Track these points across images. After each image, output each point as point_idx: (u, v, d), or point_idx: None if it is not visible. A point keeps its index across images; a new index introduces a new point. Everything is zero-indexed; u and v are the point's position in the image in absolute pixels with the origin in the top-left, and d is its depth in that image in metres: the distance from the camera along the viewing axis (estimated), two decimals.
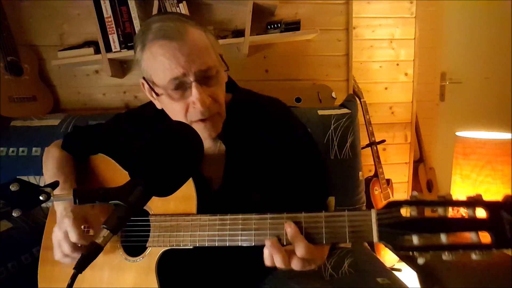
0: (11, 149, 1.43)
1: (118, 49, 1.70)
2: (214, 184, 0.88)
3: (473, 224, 0.55)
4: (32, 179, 1.41)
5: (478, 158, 1.57)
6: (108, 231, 0.54)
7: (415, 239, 0.57)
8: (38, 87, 1.79)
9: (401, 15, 2.16)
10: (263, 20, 1.85)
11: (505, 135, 1.61)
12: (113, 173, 0.94)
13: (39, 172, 1.38)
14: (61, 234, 0.79)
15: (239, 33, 1.77)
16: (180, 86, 0.78)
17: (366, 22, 2.15)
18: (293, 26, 1.80)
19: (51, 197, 0.63)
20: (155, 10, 1.67)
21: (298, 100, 1.93)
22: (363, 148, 1.79)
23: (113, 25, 1.67)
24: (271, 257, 0.66)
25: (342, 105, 1.61)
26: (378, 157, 2.11)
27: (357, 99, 1.74)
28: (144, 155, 0.60)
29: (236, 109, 0.91)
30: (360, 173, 1.54)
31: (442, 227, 0.56)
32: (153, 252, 0.79)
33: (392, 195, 2.17)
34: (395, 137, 2.30)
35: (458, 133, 1.72)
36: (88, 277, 0.83)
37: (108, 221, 0.55)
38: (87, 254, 0.52)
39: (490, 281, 1.08)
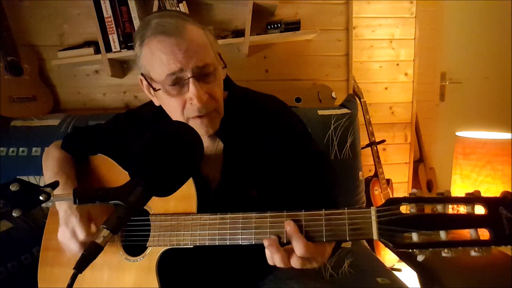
0: (11, 149, 1.43)
1: (118, 49, 1.70)
2: (213, 182, 0.88)
3: (472, 221, 0.56)
4: (32, 179, 1.41)
5: (478, 158, 1.57)
6: (108, 231, 0.54)
7: (414, 236, 0.57)
8: (38, 87, 1.79)
9: (401, 15, 2.16)
10: (263, 20, 1.85)
11: (505, 135, 1.60)
12: (113, 173, 0.94)
13: (39, 172, 1.38)
14: (69, 233, 0.79)
15: (239, 33, 1.77)
16: (177, 82, 0.78)
17: (366, 22, 2.15)
18: (293, 26, 1.80)
19: (51, 197, 0.63)
20: (155, 10, 1.67)
21: (298, 100, 1.93)
22: (363, 148, 1.79)
23: (113, 25, 1.67)
24: (272, 258, 0.66)
25: (342, 105, 1.61)
26: (378, 157, 2.11)
27: (357, 99, 1.74)
28: (144, 155, 0.60)
29: (233, 106, 0.91)
30: (360, 173, 1.55)
31: (441, 224, 0.57)
32: (153, 252, 0.79)
33: (392, 195, 2.17)
34: (395, 137, 2.30)
35: (458, 133, 1.72)
36: (88, 277, 0.83)
37: (108, 221, 0.55)
38: (87, 254, 0.52)
39: (490, 281, 1.08)
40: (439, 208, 0.57)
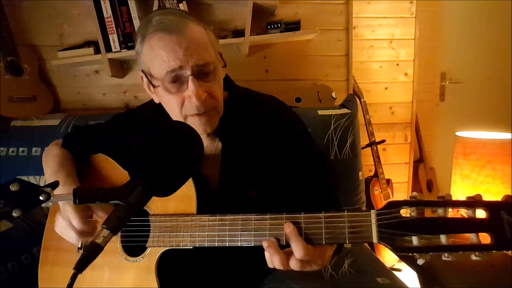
0: (11, 149, 1.43)
1: (118, 49, 1.70)
2: (212, 182, 0.88)
3: (473, 225, 0.55)
4: (32, 179, 1.41)
5: (478, 158, 1.57)
6: (108, 231, 0.54)
7: (415, 240, 0.57)
8: (38, 87, 1.79)
9: (401, 15, 2.16)
10: (263, 20, 1.85)
11: (505, 135, 1.61)
12: (113, 173, 0.94)
13: (39, 172, 1.38)
14: (65, 222, 0.79)
15: (239, 33, 1.77)
16: (177, 79, 0.78)
17: (366, 22, 2.15)
18: (293, 26, 1.80)
19: (51, 197, 0.63)
20: (155, 10, 1.67)
21: (298, 100, 1.93)
22: (363, 148, 1.79)
23: (113, 25, 1.67)
24: (271, 259, 0.66)
25: (342, 105, 1.61)
26: (378, 157, 2.11)
27: (357, 99, 1.74)
28: (144, 155, 0.60)
29: (233, 106, 0.91)
30: (360, 173, 1.55)
31: (442, 228, 0.56)
32: (153, 252, 0.79)
33: (392, 195, 2.17)
34: (395, 137, 2.30)
35: (458, 133, 1.72)
36: (88, 277, 0.83)
37: (108, 221, 0.55)
38: (87, 254, 0.52)
39: (490, 281, 1.08)
40: (440, 211, 0.56)
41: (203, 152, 0.66)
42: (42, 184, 0.65)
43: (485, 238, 0.55)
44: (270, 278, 0.92)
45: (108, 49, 1.70)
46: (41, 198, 0.62)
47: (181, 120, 0.83)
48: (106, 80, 1.89)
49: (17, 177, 1.38)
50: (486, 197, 0.55)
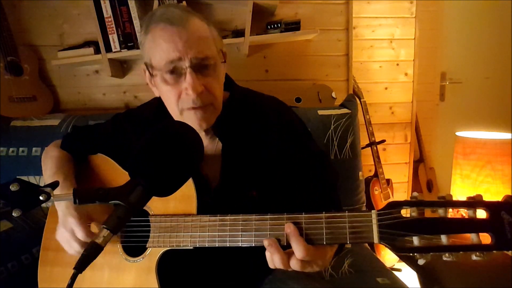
0: (11, 149, 1.43)
1: (118, 49, 1.69)
2: (213, 182, 0.88)
3: (474, 225, 0.56)
4: (32, 179, 1.41)
5: (478, 158, 1.57)
6: (108, 231, 0.54)
7: (415, 240, 0.57)
8: (38, 87, 1.79)
9: (401, 15, 2.16)
10: (263, 20, 1.85)
11: (505, 135, 1.61)
12: (113, 173, 0.94)
13: (39, 172, 1.37)
14: (68, 233, 0.79)
15: (239, 33, 1.77)
16: (175, 71, 0.79)
17: (366, 22, 2.15)
18: (293, 26, 1.80)
19: (51, 197, 0.63)
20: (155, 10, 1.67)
21: (298, 100, 1.93)
22: (363, 148, 1.79)
23: (113, 25, 1.67)
24: (272, 258, 0.66)
25: (342, 105, 1.61)
26: (378, 157, 2.10)
27: (357, 99, 1.74)
28: (144, 155, 0.60)
29: (234, 106, 0.91)
30: (360, 173, 1.55)
31: (442, 228, 0.56)
32: (153, 253, 0.79)
33: (392, 195, 2.17)
34: (395, 137, 2.30)
35: (458, 133, 1.72)
36: (88, 277, 0.83)
37: (108, 221, 0.55)
38: (87, 254, 0.52)
39: (490, 281, 1.08)
40: (440, 211, 0.56)
41: (203, 152, 0.66)
42: (42, 184, 0.65)
43: (485, 238, 0.55)
44: (270, 278, 0.91)
45: (108, 49, 1.70)
46: (41, 198, 0.62)
47: (178, 113, 0.83)
48: (106, 80, 1.88)
49: (17, 177, 1.38)
50: (486, 197, 0.55)
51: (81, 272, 0.51)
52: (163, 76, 0.80)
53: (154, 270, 0.77)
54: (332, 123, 1.51)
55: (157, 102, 0.96)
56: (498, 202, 0.55)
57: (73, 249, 0.80)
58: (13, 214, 0.61)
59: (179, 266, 0.82)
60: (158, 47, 0.78)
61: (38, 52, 1.83)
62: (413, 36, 2.18)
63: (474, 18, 2.29)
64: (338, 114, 1.53)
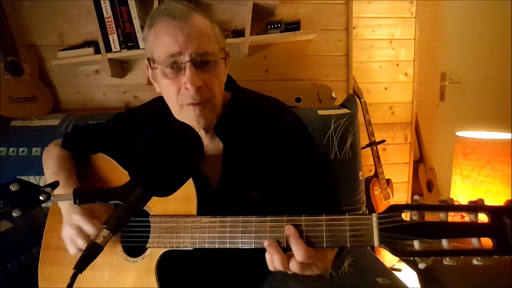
0: (11, 149, 1.43)
1: (118, 49, 1.69)
2: (213, 182, 0.88)
3: (475, 230, 0.55)
4: (32, 179, 1.41)
5: (478, 158, 1.57)
6: (108, 231, 0.54)
7: (416, 244, 0.56)
8: (38, 87, 1.79)
9: (401, 15, 2.16)
10: (263, 20, 1.85)
11: (505, 135, 1.60)
12: (113, 173, 0.94)
13: (39, 172, 1.38)
14: (74, 231, 0.79)
15: (239, 33, 1.76)
16: (175, 65, 0.79)
17: (366, 22, 2.15)
18: (293, 26, 1.80)
19: (51, 197, 0.63)
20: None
21: (298, 100, 1.93)
22: (363, 148, 1.79)
23: (113, 25, 1.67)
24: (271, 259, 0.66)
25: (342, 105, 1.61)
26: (378, 157, 2.10)
27: (357, 99, 1.74)
28: (144, 154, 0.60)
29: (235, 107, 0.91)
30: (360, 173, 1.55)
31: (443, 233, 0.56)
32: (153, 253, 0.79)
33: (392, 195, 2.17)
34: (395, 137, 2.29)
35: (458, 133, 1.72)
36: (88, 277, 0.83)
37: (108, 221, 0.55)
38: (87, 254, 0.52)
39: (490, 281, 1.08)
40: (441, 215, 0.56)
41: (203, 152, 0.66)
42: (42, 184, 0.65)
43: (487, 242, 0.54)
44: (270, 278, 0.92)
45: (108, 49, 1.70)
46: (41, 198, 0.62)
47: (178, 108, 0.83)
48: (106, 80, 1.88)
49: (17, 177, 1.39)
50: (486, 197, 0.55)
51: (81, 272, 0.51)
52: (164, 70, 0.81)
53: (154, 270, 0.77)
54: (332, 123, 1.51)
55: (158, 102, 0.96)
56: (500, 207, 0.55)
57: (78, 246, 0.80)
58: (13, 214, 0.61)
59: (179, 267, 0.82)
60: (160, 40, 0.79)
61: (38, 52, 1.83)
62: (413, 36, 2.18)
63: (474, 18, 2.29)
64: (338, 114, 1.53)
